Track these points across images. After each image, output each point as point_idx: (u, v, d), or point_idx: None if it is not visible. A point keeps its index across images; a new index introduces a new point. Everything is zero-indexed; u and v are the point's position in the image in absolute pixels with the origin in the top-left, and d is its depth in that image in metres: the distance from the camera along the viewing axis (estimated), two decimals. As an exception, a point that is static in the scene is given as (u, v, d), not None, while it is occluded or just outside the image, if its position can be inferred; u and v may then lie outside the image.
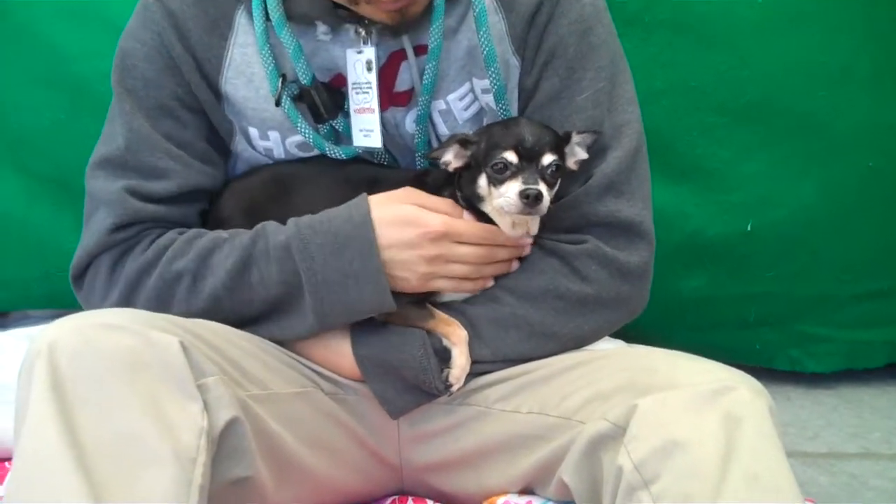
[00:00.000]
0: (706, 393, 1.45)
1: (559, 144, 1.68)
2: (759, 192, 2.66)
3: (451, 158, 1.71)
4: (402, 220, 1.67)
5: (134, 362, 1.40)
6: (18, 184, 2.77)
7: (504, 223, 1.71)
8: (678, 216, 2.64)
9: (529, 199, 1.59)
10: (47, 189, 2.75)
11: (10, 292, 2.89)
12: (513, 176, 1.63)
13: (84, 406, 1.35)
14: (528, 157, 1.64)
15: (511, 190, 1.62)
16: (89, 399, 1.36)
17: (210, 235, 1.74)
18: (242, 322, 1.71)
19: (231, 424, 1.48)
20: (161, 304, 1.71)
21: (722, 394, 1.45)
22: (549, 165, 1.65)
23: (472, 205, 1.72)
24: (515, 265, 1.77)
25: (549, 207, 1.65)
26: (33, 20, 2.61)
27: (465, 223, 1.71)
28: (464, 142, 1.70)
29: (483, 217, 1.72)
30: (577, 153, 1.72)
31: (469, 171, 1.70)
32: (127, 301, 1.74)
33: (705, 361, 1.59)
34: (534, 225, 1.74)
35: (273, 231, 1.70)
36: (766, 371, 2.87)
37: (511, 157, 1.64)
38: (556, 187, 1.69)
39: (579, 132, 1.71)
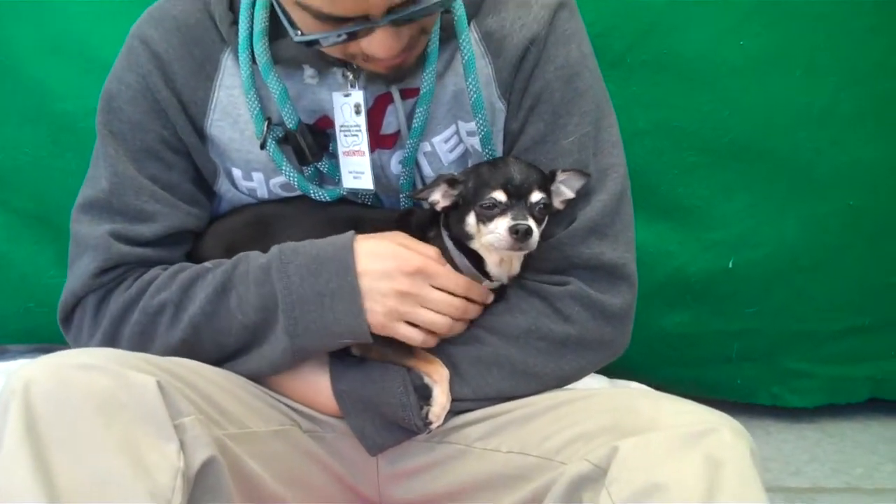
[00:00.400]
0: (688, 435, 1.44)
1: (546, 183, 1.69)
2: (740, 230, 2.67)
3: (439, 198, 1.71)
4: (382, 251, 1.67)
5: (109, 403, 1.38)
6: None
7: (492, 260, 1.72)
8: (660, 254, 2.65)
9: (519, 235, 1.61)
10: (28, 225, 2.73)
11: (-11, 327, 2.86)
12: (501, 213, 1.64)
13: (58, 447, 1.33)
14: (517, 195, 1.65)
15: (500, 226, 1.63)
16: (64, 440, 1.34)
17: (194, 268, 1.74)
18: (221, 356, 1.70)
19: (208, 464, 1.46)
20: (145, 338, 1.70)
21: (703, 436, 1.44)
22: (537, 203, 1.66)
23: (461, 243, 1.72)
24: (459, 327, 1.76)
25: (534, 248, 1.65)
26: (16, 56, 2.60)
27: (445, 268, 1.71)
28: (451, 181, 1.70)
29: (471, 255, 1.72)
30: (563, 192, 1.73)
31: (457, 210, 1.71)
32: (112, 338, 1.72)
33: (687, 403, 1.59)
34: (517, 263, 1.74)
35: (255, 256, 1.70)
36: (747, 406, 2.88)
37: (500, 195, 1.65)
38: (544, 225, 1.69)
39: (564, 171, 1.71)
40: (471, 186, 1.68)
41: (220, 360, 1.70)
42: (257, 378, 1.73)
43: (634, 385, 2.53)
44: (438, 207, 1.72)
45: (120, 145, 1.78)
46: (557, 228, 1.74)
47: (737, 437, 1.46)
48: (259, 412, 1.68)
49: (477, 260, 1.73)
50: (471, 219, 1.68)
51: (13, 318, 2.80)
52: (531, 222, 1.62)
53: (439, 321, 1.68)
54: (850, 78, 2.55)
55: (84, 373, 1.40)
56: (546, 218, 1.70)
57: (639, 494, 1.38)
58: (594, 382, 1.85)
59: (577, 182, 1.73)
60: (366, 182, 1.78)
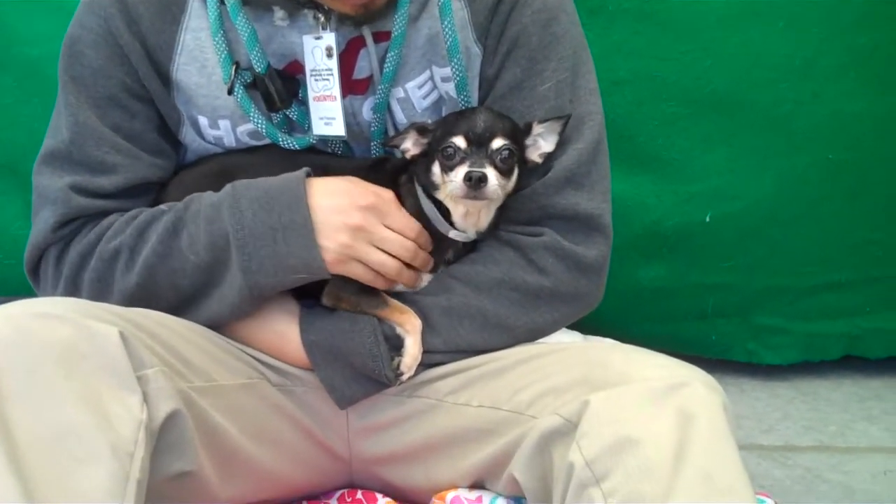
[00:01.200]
0: (659, 389, 1.43)
1: (515, 133, 1.66)
2: (718, 183, 2.65)
3: (410, 146, 1.70)
4: (335, 188, 1.66)
5: (70, 353, 1.35)
6: (-34, 169, 2.70)
7: (457, 212, 1.70)
8: (637, 206, 2.63)
9: (472, 182, 1.58)
10: (-6, 173, 2.69)
11: (-45, 280, 2.81)
12: (461, 161, 1.62)
13: (17, 399, 1.30)
14: (478, 143, 1.62)
15: (457, 174, 1.61)
16: (22, 392, 1.31)
17: (148, 211, 1.71)
18: (179, 300, 1.67)
19: (172, 417, 1.44)
20: (102, 284, 1.68)
21: (675, 390, 1.43)
22: (500, 150, 1.63)
23: (428, 193, 1.70)
24: (419, 284, 1.74)
25: (507, 199, 1.64)
26: (-20, 3, 2.55)
27: (397, 208, 1.69)
28: (422, 129, 1.69)
29: (440, 207, 1.70)
30: (541, 145, 1.71)
31: (425, 158, 1.69)
32: (73, 286, 1.70)
33: (660, 356, 1.57)
34: (484, 217, 1.71)
35: (207, 195, 1.68)
36: (722, 363, 2.88)
37: (460, 141, 1.63)
38: (513, 175, 1.67)
39: (541, 121, 1.69)
40: (438, 134, 1.66)
41: (180, 305, 1.67)
42: (224, 327, 1.71)
43: (608, 341, 2.53)
44: (408, 155, 1.70)
45: (81, 92, 1.74)
46: (533, 178, 1.72)
47: (709, 392, 1.45)
48: (226, 365, 1.66)
49: (445, 211, 1.70)
50: (435, 167, 1.66)
51: (-20, 271, 2.75)
52: (489, 170, 1.60)
53: (389, 262, 1.66)
54: (833, 30, 2.53)
55: (44, 322, 1.37)
56: (514, 169, 1.66)
57: (610, 448, 1.37)
58: (566, 337, 1.83)
59: (555, 131, 1.70)
60: (337, 128, 1.75)
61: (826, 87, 2.57)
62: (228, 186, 1.65)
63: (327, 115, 1.76)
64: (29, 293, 1.74)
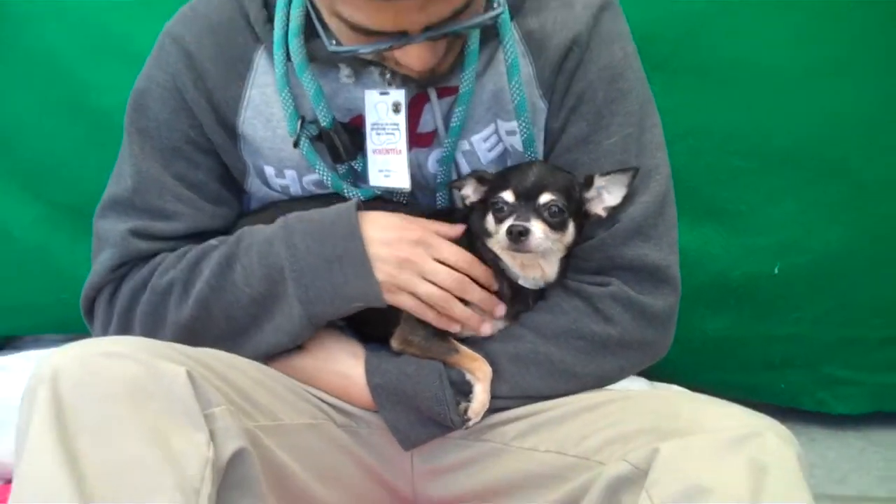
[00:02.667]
0: (731, 439, 1.41)
1: (569, 188, 1.66)
2: (786, 235, 2.61)
3: (470, 193, 1.72)
4: (385, 221, 1.69)
5: (138, 391, 1.37)
6: (38, 211, 2.75)
7: (508, 261, 1.70)
8: (703, 257, 2.60)
9: (513, 235, 1.59)
10: (65, 217, 2.73)
11: (25, 317, 2.87)
12: (508, 215, 1.64)
13: (85, 434, 1.32)
14: (525, 197, 1.64)
15: (502, 227, 1.63)
16: (91, 427, 1.32)
17: (201, 245, 1.73)
18: (234, 333, 1.68)
19: (238, 455, 1.44)
20: (155, 318, 1.70)
21: (748, 440, 1.40)
22: (547, 205, 1.64)
23: (484, 244, 1.71)
24: (486, 329, 1.73)
25: (573, 250, 1.66)
26: (57, 51, 2.60)
27: (446, 241, 1.70)
28: (481, 178, 1.71)
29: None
30: (606, 198, 1.70)
31: (482, 207, 1.70)
32: (125, 322, 1.72)
33: (730, 406, 1.55)
34: (548, 268, 1.71)
35: (259, 229, 1.70)
36: (791, 411, 2.81)
37: (508, 196, 1.65)
38: (567, 229, 1.67)
39: (605, 174, 1.68)
40: (492, 187, 1.68)
41: (232, 339, 1.68)
42: (290, 368, 1.72)
43: (675, 388, 2.50)
44: (468, 202, 1.72)
45: (146, 143, 1.78)
46: (600, 230, 1.71)
47: (782, 442, 1.42)
48: (291, 405, 1.66)
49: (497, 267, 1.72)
50: (489, 218, 1.68)
51: (48, 309, 2.79)
52: (533, 224, 1.61)
53: (437, 294, 1.66)
54: (899, 86, 2.50)
55: (112, 361, 1.39)
56: (567, 222, 1.66)
57: (681, 497, 1.35)
58: (633, 384, 1.82)
59: (622, 184, 1.69)
60: (398, 180, 1.76)
61: (893, 141, 2.52)
62: (280, 220, 1.68)
63: (386, 168, 1.77)
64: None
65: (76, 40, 2.60)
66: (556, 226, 1.64)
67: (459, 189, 1.73)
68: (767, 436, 1.41)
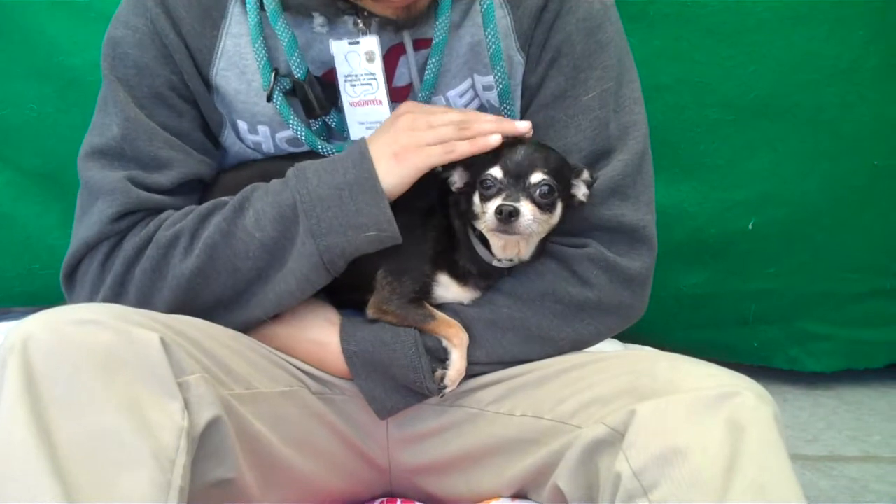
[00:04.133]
0: (709, 399, 1.40)
1: (561, 169, 1.62)
2: (762, 189, 2.63)
3: (457, 179, 1.66)
4: (380, 128, 1.67)
5: (111, 359, 1.34)
6: (3, 177, 2.71)
7: (496, 244, 1.66)
8: (679, 213, 2.62)
9: (503, 216, 1.53)
10: (34, 183, 2.70)
11: (-8, 288, 2.83)
12: (497, 193, 1.58)
13: (58, 404, 1.29)
14: (516, 175, 1.58)
15: (490, 207, 1.56)
16: (64, 397, 1.30)
17: (212, 201, 1.69)
18: (236, 286, 1.64)
19: (213, 424, 1.43)
20: (156, 275, 1.65)
21: (725, 400, 1.40)
22: (539, 184, 1.58)
23: (471, 224, 1.66)
24: (524, 125, 1.65)
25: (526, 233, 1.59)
26: (21, 11, 2.56)
27: (430, 106, 1.70)
28: (468, 165, 1.64)
29: (485, 242, 1.67)
30: (583, 188, 1.67)
31: (469, 188, 1.65)
32: (120, 285, 1.67)
33: (707, 365, 1.54)
34: (524, 249, 1.67)
35: (273, 180, 1.66)
36: (763, 371, 2.85)
37: (497, 172, 1.58)
38: (555, 211, 1.61)
39: (591, 172, 1.66)
40: (478, 165, 1.62)
41: (234, 296, 1.65)
42: (265, 335, 1.69)
43: (647, 349, 2.50)
44: (455, 188, 1.66)
45: (128, 91, 1.73)
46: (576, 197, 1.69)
47: (760, 402, 1.42)
48: (266, 372, 1.64)
49: (486, 240, 1.67)
50: (476, 198, 1.62)
51: (17, 280, 2.77)
52: (523, 204, 1.55)
53: (448, 127, 1.62)
54: (879, 31, 2.49)
55: (85, 328, 1.36)
56: (556, 204, 1.61)
57: (658, 459, 1.35)
58: (607, 346, 1.81)
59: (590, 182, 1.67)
60: None
61: (871, 91, 2.54)
62: (292, 167, 1.64)
63: (369, 120, 1.74)
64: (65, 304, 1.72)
65: (44, 1, 2.55)
66: (546, 207, 1.59)
67: (444, 172, 1.66)
68: (745, 395, 1.41)
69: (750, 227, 2.65)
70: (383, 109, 1.73)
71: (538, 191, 1.57)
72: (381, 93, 1.72)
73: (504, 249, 1.66)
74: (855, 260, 2.73)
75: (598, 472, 1.46)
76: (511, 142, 1.64)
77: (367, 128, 1.74)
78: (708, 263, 2.71)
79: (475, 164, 1.62)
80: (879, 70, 2.51)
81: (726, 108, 2.54)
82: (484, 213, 1.58)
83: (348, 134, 1.77)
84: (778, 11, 2.46)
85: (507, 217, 1.52)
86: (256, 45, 1.72)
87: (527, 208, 1.54)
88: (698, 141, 2.57)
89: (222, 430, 1.45)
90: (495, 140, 1.60)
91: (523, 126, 1.64)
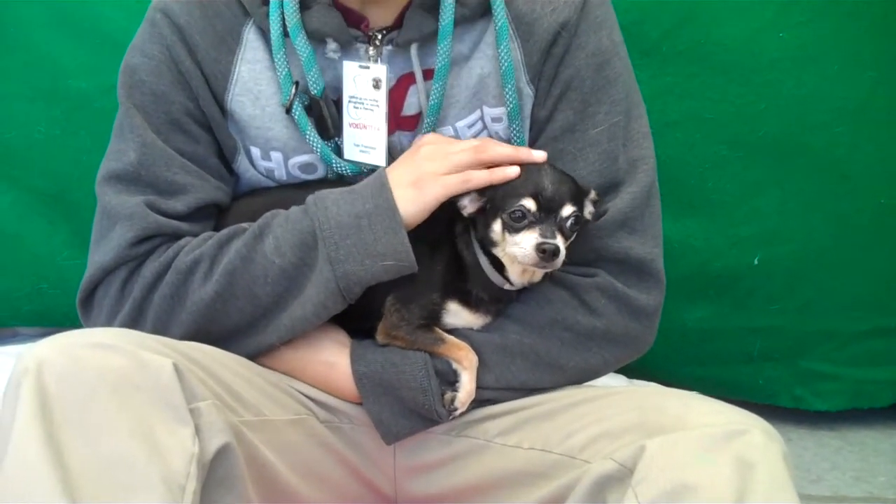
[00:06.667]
0: (718, 435, 1.40)
1: (579, 196, 1.62)
2: (768, 225, 2.63)
3: (467, 203, 1.65)
4: (401, 159, 1.68)
5: (124, 384, 1.35)
6: (11, 198, 2.71)
7: (514, 270, 1.66)
8: (685, 248, 2.62)
9: (546, 255, 1.54)
10: (41, 203, 2.70)
11: (0, 309, 2.81)
12: (530, 226, 1.57)
13: (71, 428, 1.30)
14: (548, 208, 1.58)
15: (527, 241, 1.56)
16: (76, 421, 1.31)
17: (229, 228, 1.69)
18: (254, 312, 1.64)
19: (223, 451, 1.43)
20: (175, 301, 1.65)
21: (734, 437, 1.40)
22: (569, 217, 1.59)
23: (485, 248, 1.67)
24: (540, 154, 1.66)
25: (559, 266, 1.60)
26: (30, 33, 2.58)
27: (449, 138, 1.71)
28: (481, 189, 1.63)
29: (496, 261, 1.67)
30: (590, 207, 1.67)
31: (484, 214, 1.64)
32: (139, 310, 1.67)
33: (716, 402, 1.55)
34: (539, 273, 1.68)
35: (291, 208, 1.67)
36: (767, 409, 2.82)
37: (529, 204, 1.58)
38: (571, 240, 1.63)
39: (597, 192, 1.66)
40: (500, 192, 1.61)
41: (253, 321, 1.65)
42: (276, 357, 1.70)
43: (653, 385, 2.50)
44: (465, 213, 1.66)
45: (145, 118, 1.74)
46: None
47: (768, 440, 1.42)
48: (276, 400, 1.64)
49: (499, 264, 1.67)
50: (496, 226, 1.61)
51: (25, 300, 2.75)
52: (559, 240, 1.56)
53: (465, 155, 1.62)
54: (888, 73, 2.51)
55: (98, 352, 1.37)
56: (576, 234, 1.63)
57: (667, 495, 1.34)
58: (612, 381, 1.81)
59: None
60: (375, 158, 1.75)
61: (880, 131, 2.56)
62: (311, 196, 1.65)
63: (364, 144, 1.76)
64: (73, 324, 1.70)
65: (51, 24, 2.58)
66: (570, 237, 1.60)
67: (456, 203, 1.65)
68: (754, 433, 1.41)
69: (755, 262, 2.65)
70: (380, 136, 1.75)
71: (568, 223, 1.59)
72: (381, 120, 1.74)
73: (521, 275, 1.67)
74: (860, 298, 2.72)
75: (606, 508, 1.46)
76: (527, 167, 1.64)
77: (361, 150, 1.76)
78: (713, 299, 2.71)
79: (493, 191, 1.62)
80: (888, 110, 2.53)
81: (735, 146, 2.55)
82: (512, 243, 1.58)
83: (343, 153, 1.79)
84: (789, 51, 2.48)
85: (551, 256, 1.54)
86: (278, 57, 1.74)
87: (562, 244, 1.56)
88: (706, 177, 2.58)
89: (232, 457, 1.45)
90: (513, 172, 1.61)
91: (540, 155, 1.66)
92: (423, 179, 1.61)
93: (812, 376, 2.81)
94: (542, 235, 1.55)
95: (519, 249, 1.57)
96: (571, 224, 1.59)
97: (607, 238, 1.70)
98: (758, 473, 1.35)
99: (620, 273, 1.71)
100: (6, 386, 1.37)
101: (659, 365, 2.37)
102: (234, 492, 1.47)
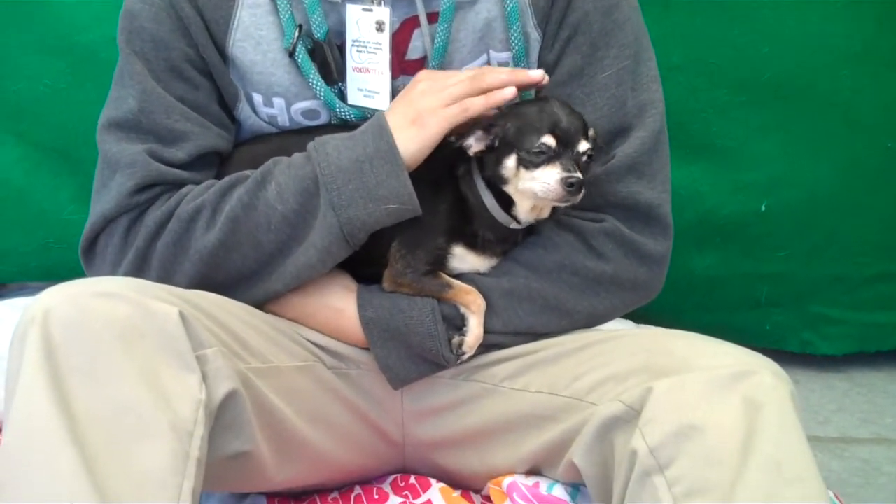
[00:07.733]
0: (726, 376, 1.40)
1: (588, 131, 1.62)
2: (774, 171, 2.62)
3: (473, 142, 1.63)
4: (398, 99, 1.66)
5: (130, 332, 1.35)
6: (17, 153, 2.71)
7: (524, 206, 1.65)
8: (692, 195, 2.60)
9: (573, 188, 1.53)
10: (47, 158, 2.69)
11: (7, 264, 2.83)
12: (549, 161, 1.56)
13: (77, 376, 1.30)
14: (566, 143, 1.57)
15: (549, 176, 1.55)
16: (83, 369, 1.31)
17: (230, 175, 1.69)
18: (259, 259, 1.64)
19: (230, 397, 1.43)
20: (178, 248, 1.65)
21: (742, 378, 1.40)
22: (585, 152, 1.59)
23: (493, 185, 1.65)
24: (537, 73, 1.65)
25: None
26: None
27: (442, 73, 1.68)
28: (487, 127, 1.61)
29: (501, 197, 1.66)
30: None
31: (492, 152, 1.63)
32: (142, 258, 1.66)
33: (724, 344, 1.55)
34: (547, 210, 1.68)
35: (295, 154, 1.66)
36: (775, 353, 2.79)
37: (549, 140, 1.56)
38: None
39: (595, 132, 1.65)
40: (511, 128, 1.60)
41: (257, 269, 1.65)
42: (283, 303, 1.69)
43: (659, 329, 2.49)
44: (471, 152, 1.63)
45: (145, 64, 1.72)
46: (595, 164, 1.69)
47: (777, 380, 1.42)
48: (283, 347, 1.64)
49: (506, 202, 1.66)
50: (510, 162, 1.60)
51: (32, 255, 2.76)
52: (579, 174, 1.55)
53: (461, 84, 1.60)
54: (893, 12, 2.48)
55: (104, 301, 1.37)
56: (589, 169, 1.62)
57: (674, 436, 1.35)
58: (618, 326, 1.81)
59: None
60: (379, 103, 1.74)
61: (886, 73, 2.54)
62: (312, 142, 1.64)
63: (368, 88, 1.75)
64: (80, 278, 1.72)
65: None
66: (586, 173, 1.60)
67: (458, 140, 1.63)
68: (762, 374, 1.41)
69: (762, 209, 2.64)
70: (382, 80, 1.73)
71: (584, 158, 1.58)
72: (384, 64, 1.73)
73: (530, 212, 1.66)
74: (867, 243, 2.72)
75: (613, 449, 1.46)
76: (538, 103, 1.63)
77: (365, 95, 1.75)
78: (720, 245, 2.71)
79: (502, 128, 1.60)
80: (893, 52, 2.51)
81: (739, 90, 2.53)
82: (529, 178, 1.57)
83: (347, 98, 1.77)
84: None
85: (577, 189, 1.53)
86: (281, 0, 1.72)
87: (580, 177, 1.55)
88: (710, 122, 2.57)
89: (239, 404, 1.46)
90: (510, 92, 1.59)
91: (536, 74, 1.64)
92: (422, 116, 1.59)
93: (820, 320, 2.82)
94: (566, 169, 1.55)
95: (539, 185, 1.56)
96: (588, 158, 1.59)
97: (616, 183, 1.69)
98: (766, 414, 1.36)
99: (628, 219, 1.70)
100: (12, 335, 1.37)
101: (666, 311, 2.35)
102: (242, 437, 1.48)
